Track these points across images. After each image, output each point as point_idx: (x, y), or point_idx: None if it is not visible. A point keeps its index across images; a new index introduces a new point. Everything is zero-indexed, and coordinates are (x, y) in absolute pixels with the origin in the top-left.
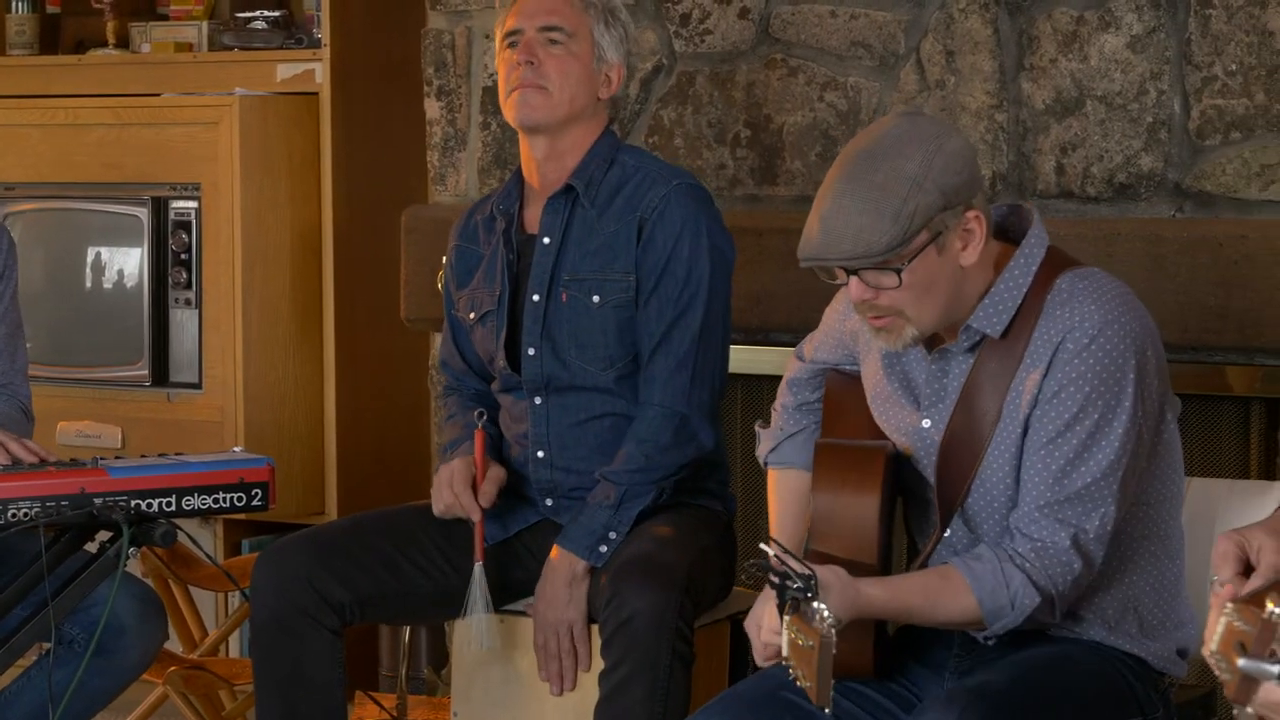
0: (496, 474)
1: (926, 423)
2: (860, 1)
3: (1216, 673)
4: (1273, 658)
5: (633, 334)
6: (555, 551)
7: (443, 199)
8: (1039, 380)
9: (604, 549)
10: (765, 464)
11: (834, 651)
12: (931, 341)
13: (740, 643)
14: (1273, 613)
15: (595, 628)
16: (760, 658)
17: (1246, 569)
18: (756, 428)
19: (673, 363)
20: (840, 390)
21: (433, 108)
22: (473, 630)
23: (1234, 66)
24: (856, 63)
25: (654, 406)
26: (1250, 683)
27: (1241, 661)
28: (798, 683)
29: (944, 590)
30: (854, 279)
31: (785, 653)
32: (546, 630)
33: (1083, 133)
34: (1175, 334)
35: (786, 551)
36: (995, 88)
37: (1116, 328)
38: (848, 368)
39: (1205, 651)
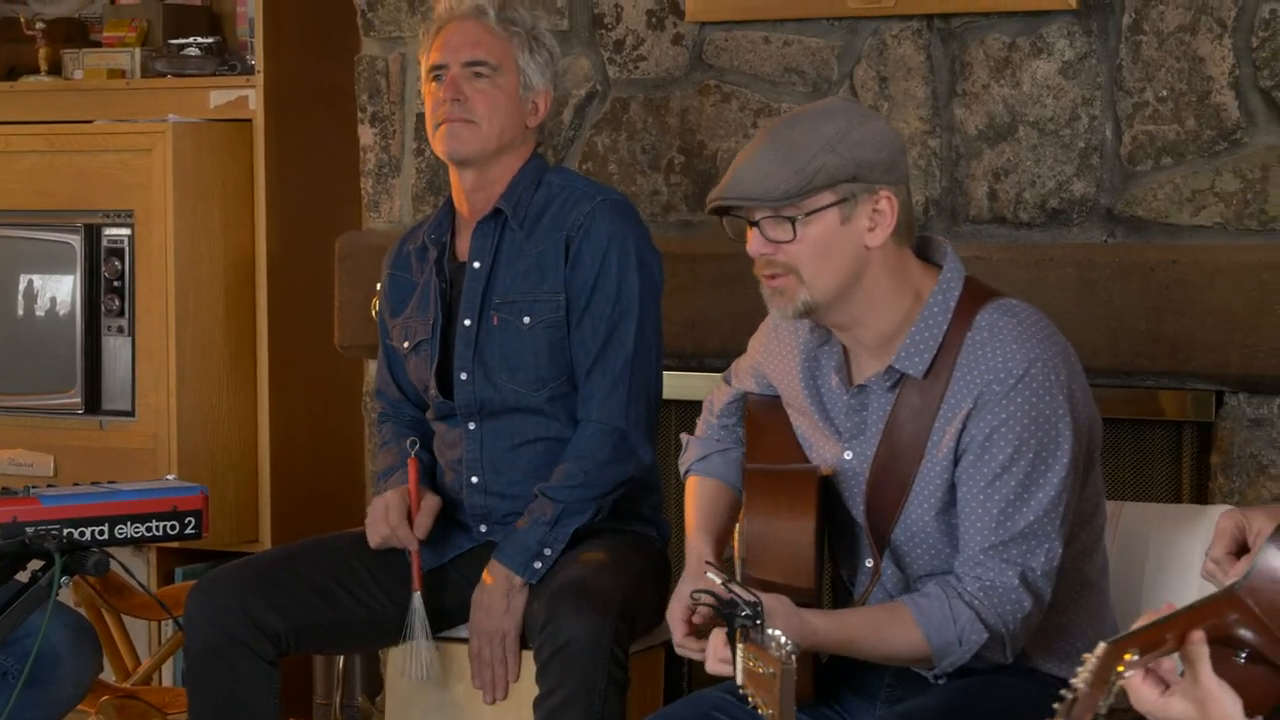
0: (431, 503)
1: (848, 454)
2: (793, 28)
3: None
4: None
5: (565, 354)
6: (491, 565)
7: (377, 225)
8: (964, 422)
9: (539, 565)
10: (688, 471)
11: (795, 679)
12: (851, 376)
13: (674, 667)
14: (1104, 663)
15: (530, 653)
16: (677, 647)
17: (1242, 550)
18: (683, 437)
19: (609, 379)
20: (763, 413)
21: (366, 134)
22: (414, 661)
23: (1165, 92)
24: (790, 89)
25: (592, 423)
26: None
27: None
28: (759, 710)
29: (890, 624)
30: (754, 231)
31: (740, 680)
32: (482, 638)
33: (1015, 158)
34: (1107, 359)
35: (732, 580)
36: (928, 113)
37: (1041, 365)
38: (769, 395)
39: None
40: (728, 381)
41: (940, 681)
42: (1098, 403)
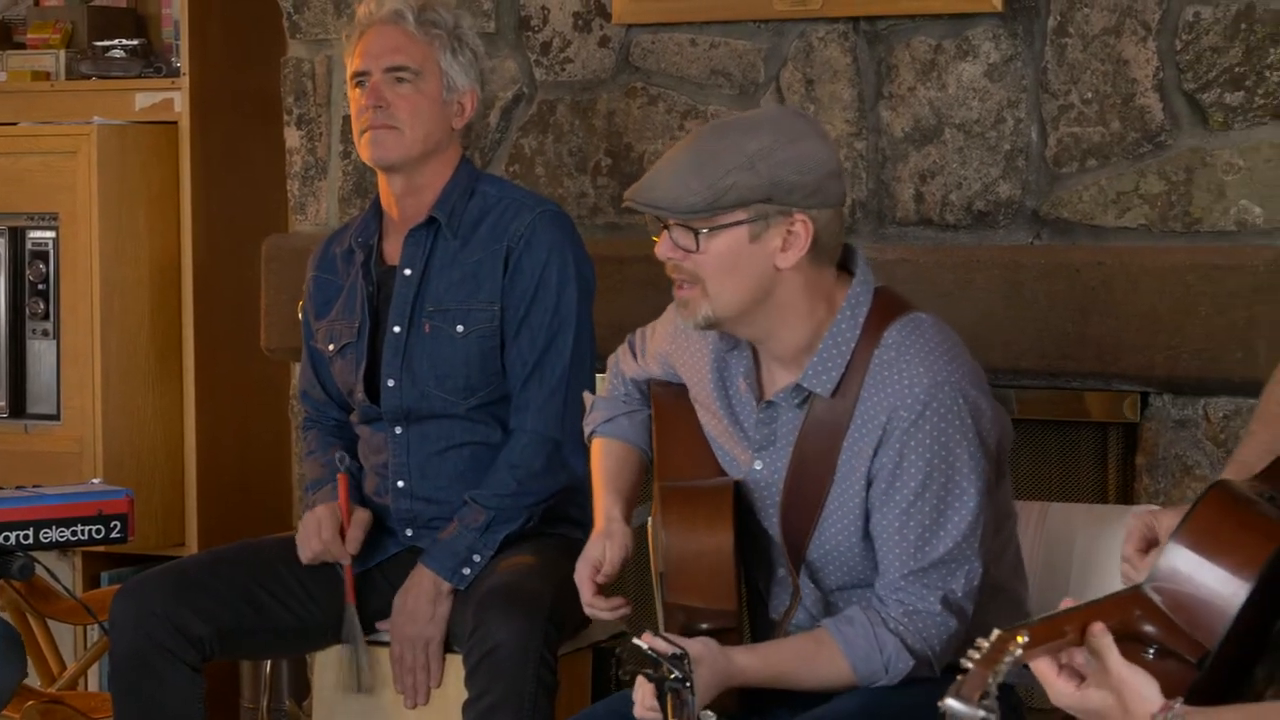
0: (361, 518)
1: (759, 465)
2: (720, 30)
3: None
4: (983, 699)
5: (495, 363)
6: (418, 569)
7: (303, 228)
8: (875, 447)
9: (467, 571)
10: (594, 433)
11: None
12: (761, 386)
13: (603, 669)
14: (995, 647)
15: (458, 658)
16: (587, 607)
17: (1152, 547)
18: (586, 397)
19: (546, 390)
20: (671, 409)
21: (293, 136)
22: (351, 673)
23: (1090, 95)
24: (716, 91)
25: (527, 433)
26: None
27: (949, 700)
28: None
29: (817, 656)
30: (664, 235)
31: None
32: (404, 644)
33: (941, 161)
34: (1034, 360)
35: (657, 635)
36: (854, 116)
37: (948, 389)
38: (676, 382)
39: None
40: (633, 350)
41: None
42: (1024, 404)
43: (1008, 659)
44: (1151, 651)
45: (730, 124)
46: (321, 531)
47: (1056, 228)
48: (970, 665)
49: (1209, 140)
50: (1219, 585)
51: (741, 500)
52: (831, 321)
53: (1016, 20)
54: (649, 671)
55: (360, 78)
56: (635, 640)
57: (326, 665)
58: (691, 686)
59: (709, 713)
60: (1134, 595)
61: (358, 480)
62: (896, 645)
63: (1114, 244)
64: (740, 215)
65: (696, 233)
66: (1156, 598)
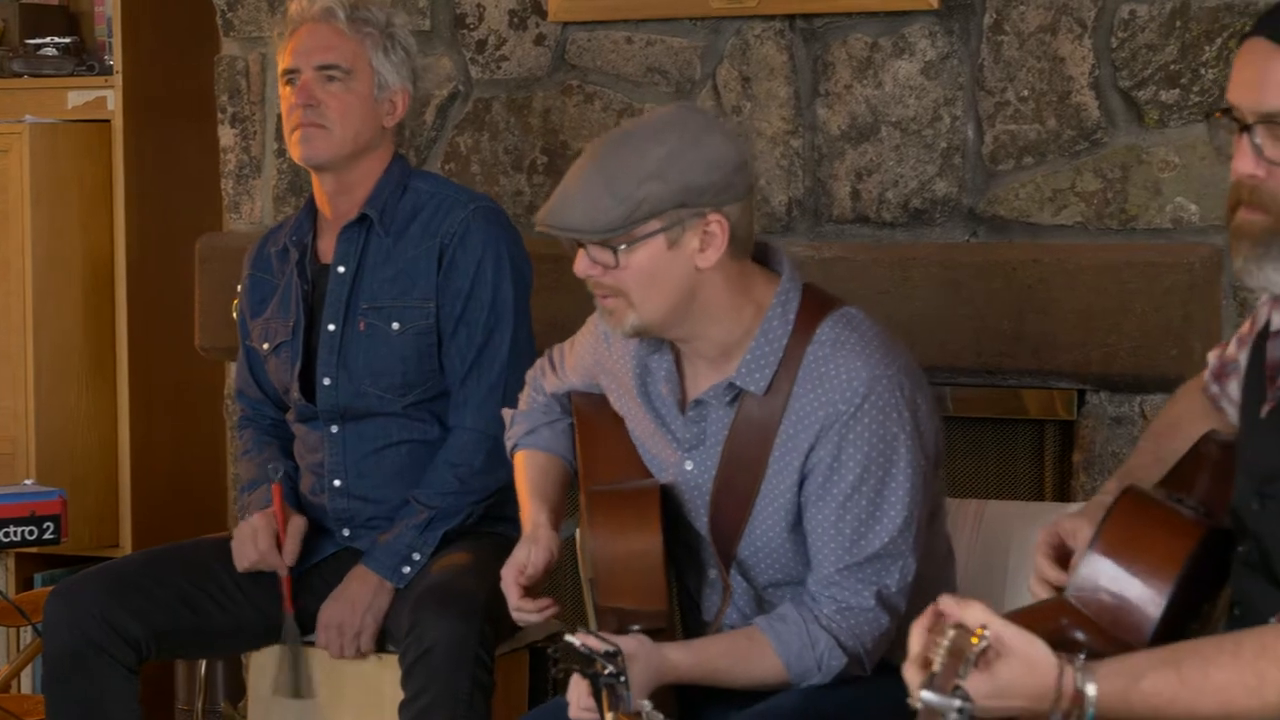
0: (298, 527)
1: (689, 465)
2: (656, 28)
3: (911, 696)
4: (956, 691)
5: (432, 361)
6: (358, 570)
7: (238, 227)
8: (810, 444)
9: (407, 570)
10: (516, 446)
11: None
12: (684, 388)
13: (539, 669)
14: (957, 641)
15: (394, 658)
16: (514, 611)
17: (1064, 555)
18: (505, 412)
19: (484, 387)
20: (594, 417)
21: (227, 135)
22: (286, 675)
23: (1026, 92)
24: (653, 89)
25: (467, 430)
26: (933, 715)
27: (924, 694)
28: None
29: (750, 653)
30: (581, 252)
31: None
32: (331, 631)
33: (878, 158)
34: (970, 358)
35: (589, 632)
36: (791, 114)
37: (885, 383)
38: (597, 393)
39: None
40: (551, 365)
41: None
42: (961, 402)
43: (973, 652)
44: (1082, 658)
45: (631, 132)
46: (258, 542)
47: (993, 225)
48: (937, 661)
49: (1145, 138)
50: (1142, 587)
51: (670, 501)
52: (761, 319)
53: (952, 18)
54: (583, 669)
55: (291, 75)
56: (567, 637)
57: (262, 666)
58: (626, 682)
59: (647, 703)
60: (1059, 603)
61: (294, 484)
62: (830, 643)
63: (1050, 241)
64: (655, 225)
65: (615, 250)
66: (1080, 606)
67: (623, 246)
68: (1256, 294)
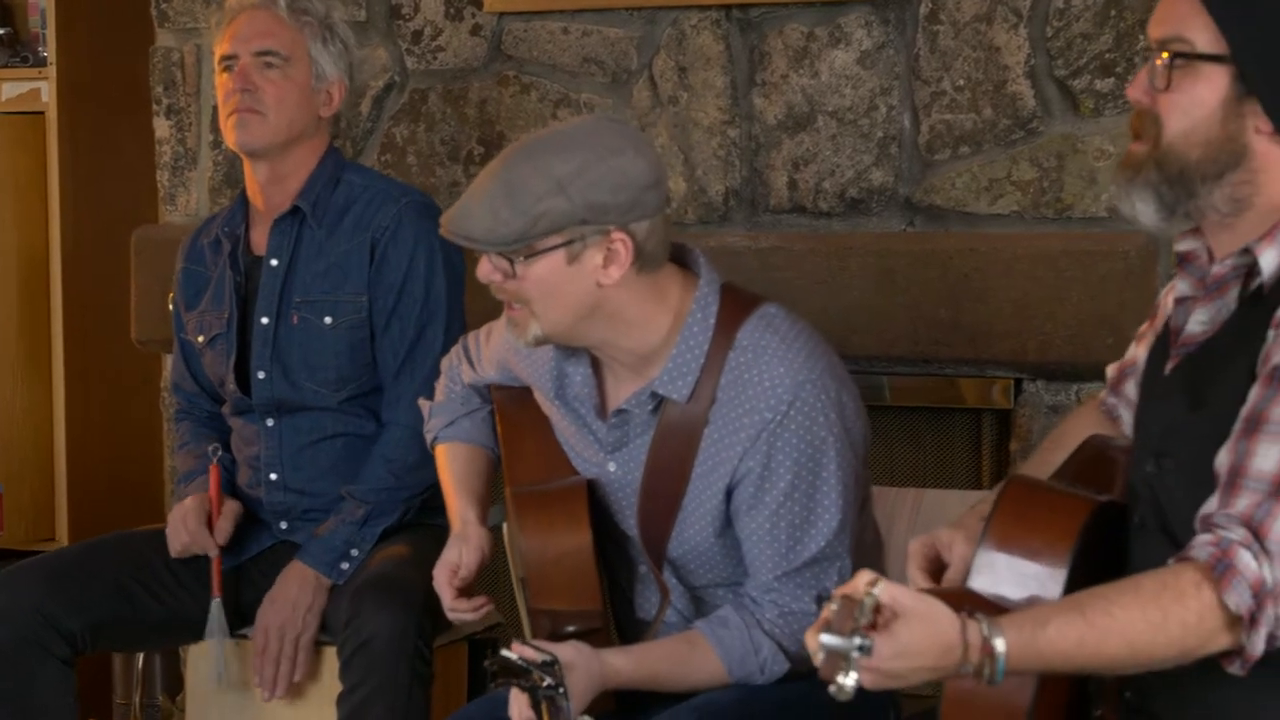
0: (231, 509)
1: (613, 466)
2: (592, 18)
3: (814, 660)
4: (854, 632)
5: (365, 355)
6: (294, 566)
7: (173, 219)
8: (739, 453)
9: (345, 566)
10: (436, 439)
11: None
12: (604, 394)
13: (478, 660)
14: (850, 594)
15: (333, 650)
16: (449, 612)
17: (939, 568)
18: (422, 404)
19: (418, 382)
20: (516, 412)
21: (162, 126)
22: (214, 665)
23: (962, 82)
24: (589, 79)
25: (400, 426)
26: (836, 658)
27: (824, 637)
28: None
29: (692, 658)
30: (484, 258)
31: None
32: (271, 633)
33: (814, 148)
34: (907, 347)
35: (525, 643)
36: (728, 103)
37: (810, 388)
38: (517, 385)
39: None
40: (467, 356)
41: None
42: (898, 391)
43: (868, 597)
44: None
45: (539, 145)
46: (188, 522)
47: (929, 215)
48: (832, 603)
49: (1080, 127)
50: (1038, 567)
51: (597, 499)
52: (681, 326)
53: (888, 7)
54: (521, 682)
55: (228, 61)
56: (503, 651)
57: (200, 659)
58: (566, 692)
59: (586, 717)
60: (960, 590)
61: (230, 473)
62: (773, 648)
63: (986, 230)
64: (555, 240)
65: (512, 261)
66: (981, 592)
67: (520, 259)
68: None
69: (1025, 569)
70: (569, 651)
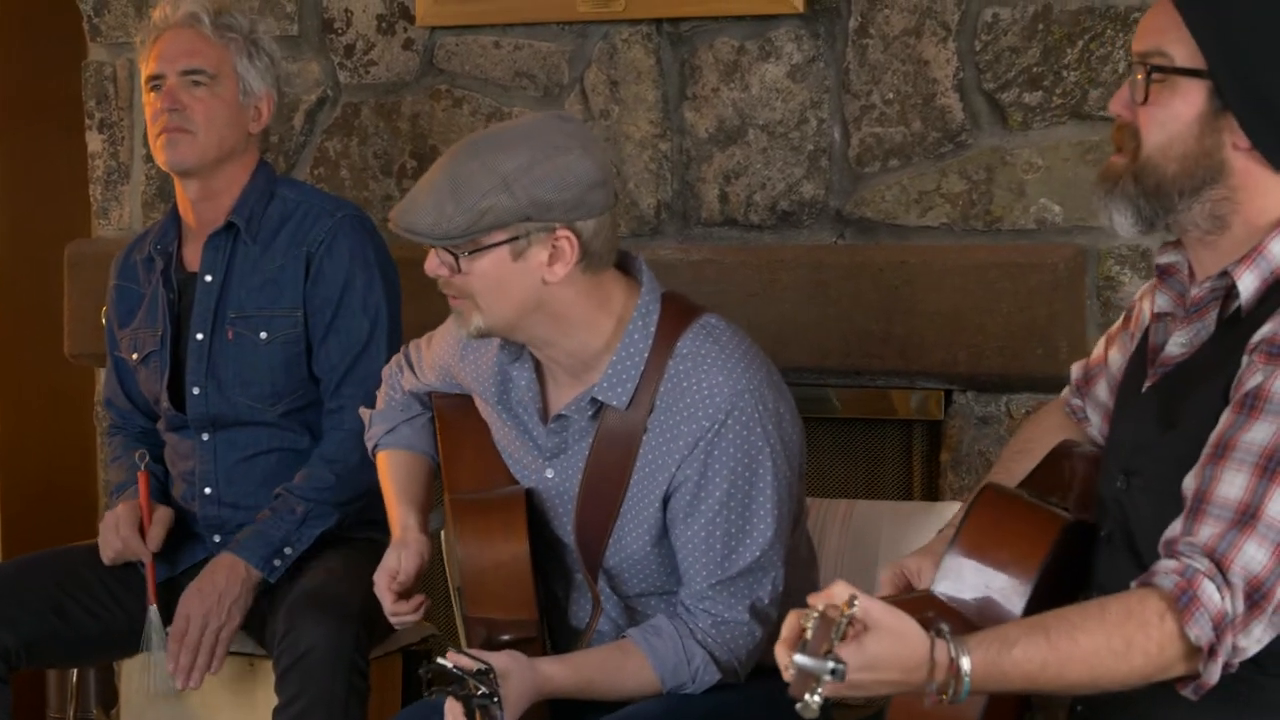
0: (163, 515)
1: (550, 473)
2: (524, 32)
3: (783, 672)
4: (828, 654)
5: (301, 369)
6: (224, 556)
7: (106, 233)
8: (677, 461)
9: (278, 563)
10: (377, 446)
11: None
12: (547, 398)
13: (413, 672)
14: (827, 612)
15: (268, 664)
16: (390, 616)
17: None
18: (363, 412)
19: (361, 392)
20: (455, 418)
21: (95, 141)
22: (151, 674)
23: (891, 95)
24: (521, 93)
25: (343, 430)
26: (807, 678)
27: (798, 657)
28: None
29: (625, 666)
30: (431, 253)
31: None
32: (193, 620)
33: (745, 161)
34: (838, 358)
35: (460, 651)
36: (659, 117)
37: (747, 398)
38: (458, 392)
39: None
40: (409, 363)
41: None
42: (830, 403)
43: (844, 618)
44: (946, 628)
45: (487, 141)
46: (120, 529)
47: (860, 227)
48: (809, 626)
49: (1009, 140)
50: (1005, 579)
51: (534, 507)
52: (623, 332)
53: (818, 21)
54: (455, 689)
55: (155, 81)
56: (439, 660)
57: (134, 672)
58: (500, 701)
59: None
60: (926, 597)
61: (161, 481)
62: (705, 658)
63: (916, 243)
64: (499, 236)
65: (457, 256)
66: (947, 600)
67: (465, 254)
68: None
69: (992, 580)
70: (504, 660)
